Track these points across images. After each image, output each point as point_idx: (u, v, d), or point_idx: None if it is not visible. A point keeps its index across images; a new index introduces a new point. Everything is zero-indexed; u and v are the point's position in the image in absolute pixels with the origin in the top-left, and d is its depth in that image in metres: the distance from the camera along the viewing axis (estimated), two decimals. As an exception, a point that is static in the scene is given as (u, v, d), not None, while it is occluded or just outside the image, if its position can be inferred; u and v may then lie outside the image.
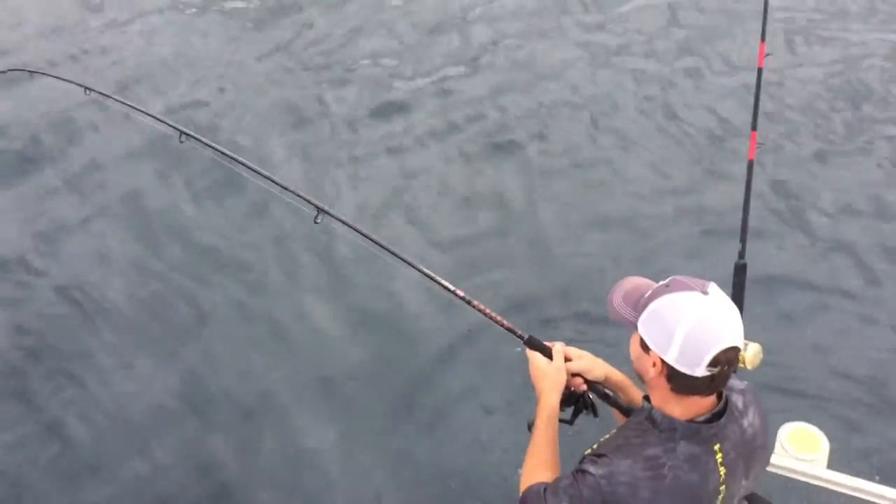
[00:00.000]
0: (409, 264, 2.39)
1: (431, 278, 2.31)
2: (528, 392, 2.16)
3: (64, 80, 3.78)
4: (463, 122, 5.52)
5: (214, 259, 4.47)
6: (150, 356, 3.99)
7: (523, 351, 2.19)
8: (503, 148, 5.41)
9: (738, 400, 1.86)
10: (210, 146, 2.80)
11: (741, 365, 1.79)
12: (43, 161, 4.98)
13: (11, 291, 4.28)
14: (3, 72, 4.77)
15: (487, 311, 2.27)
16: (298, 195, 2.56)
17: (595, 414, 2.22)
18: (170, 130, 3.00)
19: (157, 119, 3.07)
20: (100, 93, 3.51)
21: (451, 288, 2.33)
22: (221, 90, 5.74)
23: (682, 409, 1.78)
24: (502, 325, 2.25)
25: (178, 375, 3.94)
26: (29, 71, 4.32)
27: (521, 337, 2.22)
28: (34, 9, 6.44)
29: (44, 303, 4.17)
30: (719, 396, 1.82)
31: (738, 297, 2.50)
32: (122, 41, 6.18)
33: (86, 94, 3.54)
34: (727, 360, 1.68)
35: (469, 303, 2.30)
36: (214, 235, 4.60)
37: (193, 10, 6.63)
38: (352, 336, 4.07)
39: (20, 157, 5.01)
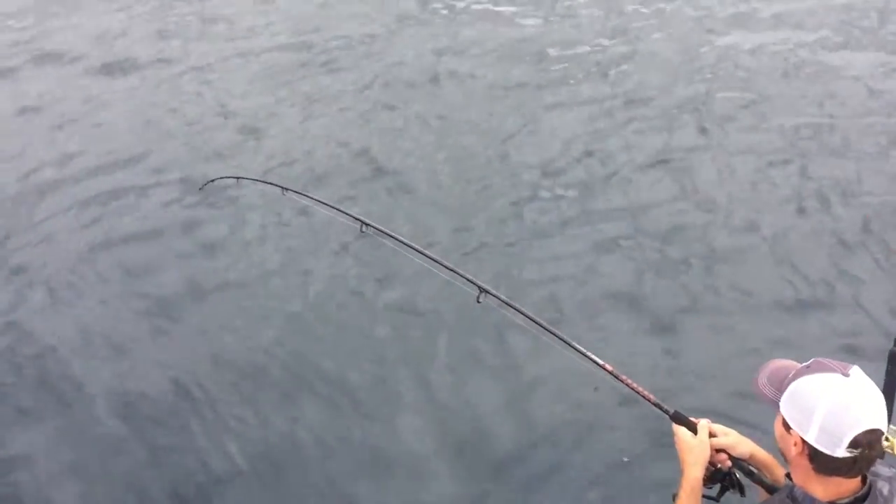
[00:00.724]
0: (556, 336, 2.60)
1: (582, 353, 2.52)
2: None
3: (265, 182, 4.46)
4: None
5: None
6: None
7: (670, 425, 2.31)
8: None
9: (883, 487, 1.84)
10: (391, 235, 3.21)
11: (890, 451, 1.76)
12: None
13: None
14: (213, 180, 5.43)
15: (634, 385, 2.43)
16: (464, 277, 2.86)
17: (742, 493, 2.25)
18: (351, 221, 3.46)
19: (341, 211, 3.54)
20: (295, 192, 4.09)
21: (600, 362, 2.51)
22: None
23: (823, 489, 1.81)
24: (649, 400, 2.39)
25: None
26: (236, 178, 5.16)
27: (666, 412, 2.33)
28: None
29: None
30: (864, 480, 1.83)
31: (891, 385, 2.47)
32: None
33: (283, 194, 4.14)
34: (868, 443, 1.69)
35: (617, 377, 2.47)
36: (389, 325, 4.68)
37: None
38: (516, 415, 4.03)
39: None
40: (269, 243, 5.41)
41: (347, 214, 3.47)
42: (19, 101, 7.84)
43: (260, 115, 7.09)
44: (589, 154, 6.04)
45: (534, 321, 2.71)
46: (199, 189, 5.67)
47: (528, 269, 4.98)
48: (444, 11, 8.78)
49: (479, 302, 2.83)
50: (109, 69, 8.29)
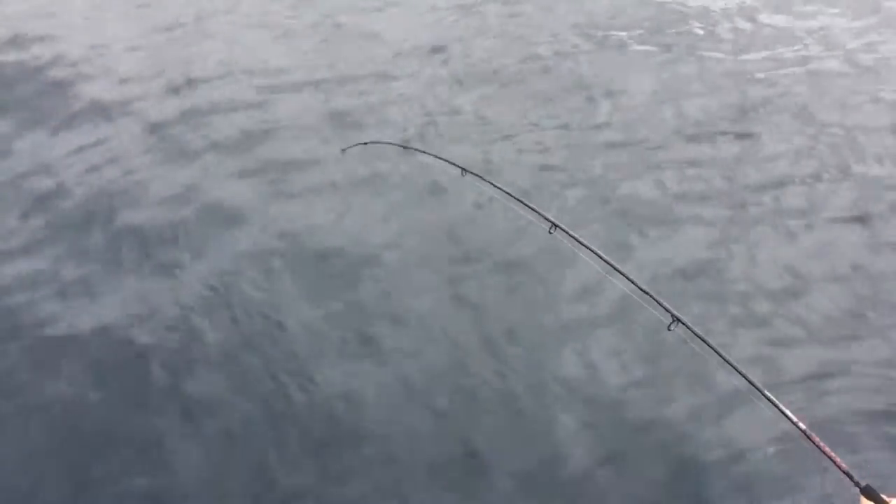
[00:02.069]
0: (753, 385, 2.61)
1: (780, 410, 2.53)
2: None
3: (443, 159, 4.53)
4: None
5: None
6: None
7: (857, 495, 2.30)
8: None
9: None
10: (578, 241, 3.25)
11: None
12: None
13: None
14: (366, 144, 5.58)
15: (827, 449, 2.42)
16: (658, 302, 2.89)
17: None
18: (541, 221, 3.51)
19: (531, 208, 3.60)
20: (475, 174, 4.16)
21: (793, 418, 2.51)
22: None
23: None
24: (840, 468, 2.38)
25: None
26: (409, 148, 5.21)
27: (857, 484, 2.33)
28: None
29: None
30: None
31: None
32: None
33: (462, 175, 4.21)
34: None
35: (809, 437, 2.47)
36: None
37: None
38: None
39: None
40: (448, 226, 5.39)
41: (539, 213, 3.52)
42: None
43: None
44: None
45: (725, 359, 2.72)
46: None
47: (727, 299, 4.70)
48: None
49: (669, 329, 2.86)
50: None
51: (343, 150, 5.86)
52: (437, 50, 7.65)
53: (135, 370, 4.40)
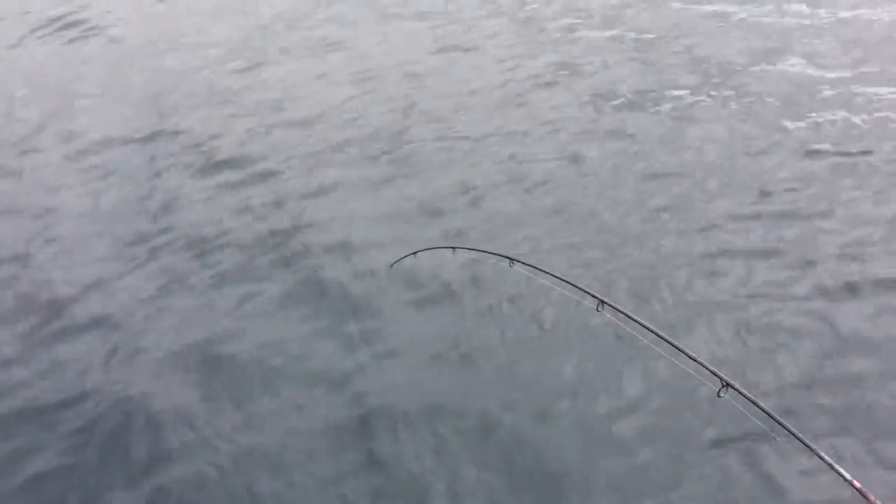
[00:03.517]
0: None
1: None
2: None
3: (490, 252, 4.77)
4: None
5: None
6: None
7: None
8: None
9: None
10: (630, 317, 3.38)
11: None
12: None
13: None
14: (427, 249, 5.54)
15: (883, 508, 2.43)
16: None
17: None
18: (588, 298, 3.66)
19: (578, 288, 3.76)
20: (524, 263, 4.36)
21: (847, 476, 2.53)
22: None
23: None
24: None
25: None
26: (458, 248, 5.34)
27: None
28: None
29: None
30: None
31: None
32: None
33: (511, 266, 4.42)
34: None
35: (865, 496, 2.47)
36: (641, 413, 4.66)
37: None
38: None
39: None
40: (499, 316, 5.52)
41: (585, 291, 3.68)
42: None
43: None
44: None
45: (777, 421, 2.76)
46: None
47: (774, 362, 4.82)
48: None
49: (719, 396, 2.92)
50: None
51: (391, 265, 5.82)
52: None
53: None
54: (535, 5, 11.10)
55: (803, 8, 9.83)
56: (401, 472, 4.48)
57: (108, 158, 8.25)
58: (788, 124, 7.47)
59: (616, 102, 8.24)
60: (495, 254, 4.77)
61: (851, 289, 5.42)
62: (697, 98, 8.11)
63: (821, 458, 2.61)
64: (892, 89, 7.79)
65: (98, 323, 5.84)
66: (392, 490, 4.40)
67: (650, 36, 9.62)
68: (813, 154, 7.01)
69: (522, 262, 4.41)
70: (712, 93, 8.18)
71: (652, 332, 3.29)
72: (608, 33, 9.83)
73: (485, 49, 9.91)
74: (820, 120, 7.46)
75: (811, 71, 8.40)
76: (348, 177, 7.53)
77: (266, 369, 5.31)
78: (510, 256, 4.53)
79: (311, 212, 7.01)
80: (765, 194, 6.52)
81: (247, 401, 5.06)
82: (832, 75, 8.25)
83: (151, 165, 8.05)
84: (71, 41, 11.67)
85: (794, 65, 8.57)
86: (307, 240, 6.62)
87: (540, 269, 4.23)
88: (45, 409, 5.12)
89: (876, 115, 7.38)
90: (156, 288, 6.14)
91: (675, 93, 8.25)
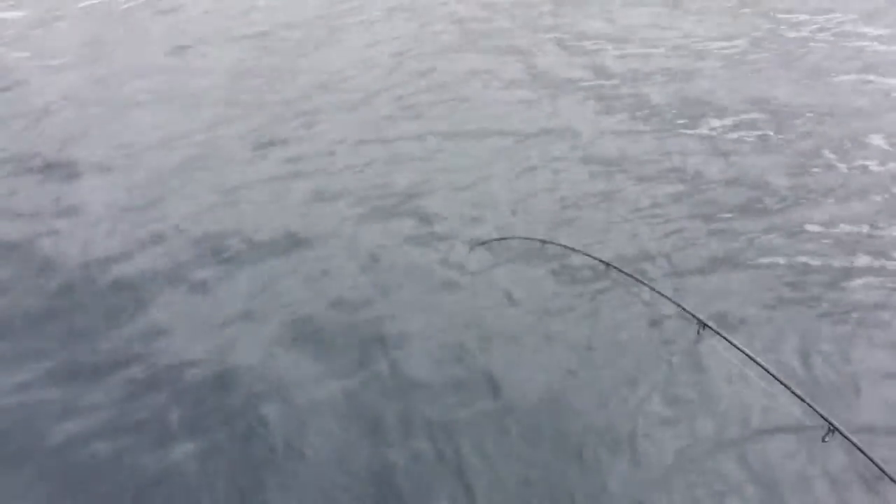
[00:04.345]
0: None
1: None
2: None
3: (583, 253, 4.67)
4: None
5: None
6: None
7: None
8: None
9: None
10: (731, 343, 3.28)
11: None
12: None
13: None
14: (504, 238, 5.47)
15: None
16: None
17: None
18: (687, 317, 3.56)
19: (677, 305, 3.66)
20: (619, 269, 4.27)
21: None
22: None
23: None
24: None
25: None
26: (548, 242, 5.07)
27: None
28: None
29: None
30: None
31: None
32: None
33: (606, 269, 4.33)
34: None
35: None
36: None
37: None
38: None
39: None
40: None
41: (684, 309, 3.58)
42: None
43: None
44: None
45: (880, 468, 2.65)
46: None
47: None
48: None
49: (824, 441, 2.81)
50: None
51: (471, 248, 5.62)
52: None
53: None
54: None
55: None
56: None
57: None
58: None
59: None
60: (592, 256, 4.66)
61: None
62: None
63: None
64: None
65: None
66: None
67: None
68: None
69: (620, 270, 4.32)
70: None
71: (759, 364, 3.18)
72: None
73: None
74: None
75: None
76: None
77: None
78: (606, 261, 4.45)
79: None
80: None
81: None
82: None
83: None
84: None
85: None
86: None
87: (639, 280, 4.14)
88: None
89: None
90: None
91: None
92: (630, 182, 6.52)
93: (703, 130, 7.39)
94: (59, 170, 7.07)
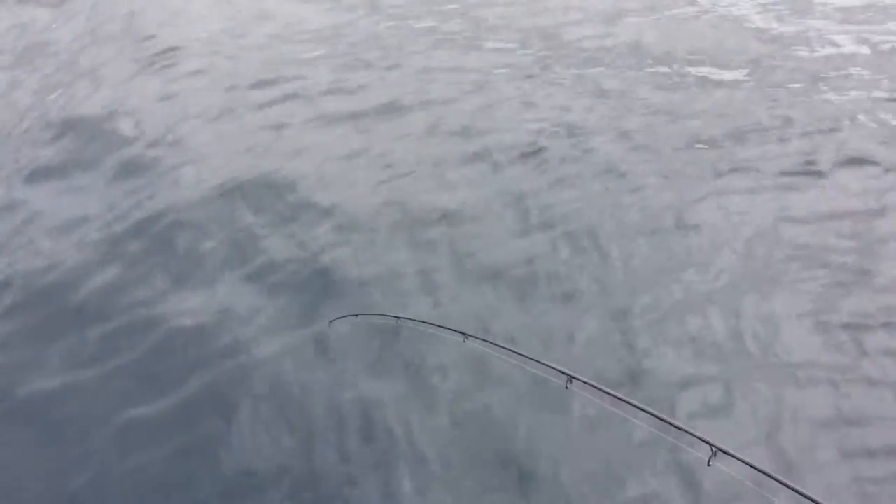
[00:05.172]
0: None
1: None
2: None
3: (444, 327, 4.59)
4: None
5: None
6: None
7: None
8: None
9: None
10: (600, 389, 3.31)
11: None
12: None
13: None
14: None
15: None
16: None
17: None
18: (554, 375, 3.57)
19: (543, 364, 3.67)
20: (481, 339, 4.23)
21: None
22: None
23: None
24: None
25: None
26: (403, 318, 5.13)
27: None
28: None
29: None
30: None
31: None
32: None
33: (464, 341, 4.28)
34: None
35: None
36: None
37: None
38: None
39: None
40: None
41: (551, 367, 3.59)
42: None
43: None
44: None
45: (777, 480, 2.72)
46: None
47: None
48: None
49: (708, 465, 2.87)
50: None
51: (330, 323, 5.69)
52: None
53: None
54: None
55: None
56: None
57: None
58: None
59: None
60: (447, 328, 4.59)
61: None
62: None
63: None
64: None
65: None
66: None
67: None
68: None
69: (478, 338, 4.28)
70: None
71: (633, 405, 3.22)
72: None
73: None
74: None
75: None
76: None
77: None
78: (464, 332, 4.39)
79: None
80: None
81: None
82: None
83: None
84: None
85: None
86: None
87: (499, 345, 4.11)
88: None
89: None
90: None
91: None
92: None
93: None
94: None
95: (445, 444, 4.96)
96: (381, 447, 5.01)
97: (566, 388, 3.48)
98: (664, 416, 3.06)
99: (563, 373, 3.49)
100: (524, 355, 3.89)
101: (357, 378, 5.52)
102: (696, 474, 4.36)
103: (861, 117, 7.86)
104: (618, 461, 4.63)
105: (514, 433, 4.93)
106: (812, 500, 2.53)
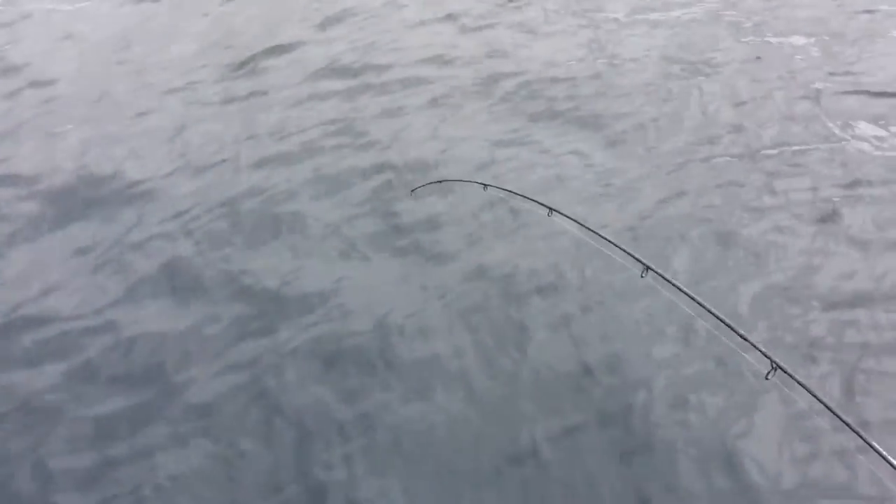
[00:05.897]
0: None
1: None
2: None
3: (529, 198, 4.58)
4: None
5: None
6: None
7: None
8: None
9: None
10: (674, 285, 3.30)
11: None
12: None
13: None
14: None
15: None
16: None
17: None
18: (631, 263, 3.56)
19: (625, 251, 3.65)
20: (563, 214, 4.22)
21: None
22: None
23: None
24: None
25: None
26: (490, 186, 5.11)
27: None
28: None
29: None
30: None
31: None
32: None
33: (549, 215, 4.27)
34: None
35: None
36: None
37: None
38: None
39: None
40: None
41: (630, 255, 3.58)
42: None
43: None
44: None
45: (826, 406, 2.71)
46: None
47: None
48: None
49: (767, 378, 2.86)
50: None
51: (412, 191, 5.79)
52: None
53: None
54: None
55: None
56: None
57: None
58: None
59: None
60: (533, 200, 4.57)
61: None
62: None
63: (875, 450, 2.57)
64: None
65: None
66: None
67: None
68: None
69: (563, 214, 4.25)
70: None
71: (698, 303, 3.20)
72: None
73: None
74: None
75: None
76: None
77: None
78: (550, 206, 4.37)
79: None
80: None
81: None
82: None
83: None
84: None
85: None
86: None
87: (583, 225, 4.09)
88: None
89: None
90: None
91: None
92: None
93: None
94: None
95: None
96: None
97: (641, 276, 3.48)
98: (731, 324, 3.05)
99: (641, 262, 3.48)
100: (606, 238, 3.87)
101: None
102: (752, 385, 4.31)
103: None
104: (676, 357, 4.64)
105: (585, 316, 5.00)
106: (863, 438, 2.51)
